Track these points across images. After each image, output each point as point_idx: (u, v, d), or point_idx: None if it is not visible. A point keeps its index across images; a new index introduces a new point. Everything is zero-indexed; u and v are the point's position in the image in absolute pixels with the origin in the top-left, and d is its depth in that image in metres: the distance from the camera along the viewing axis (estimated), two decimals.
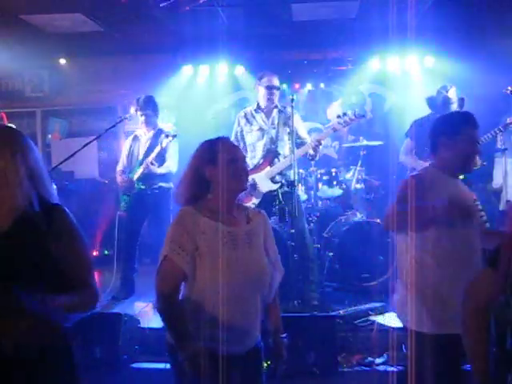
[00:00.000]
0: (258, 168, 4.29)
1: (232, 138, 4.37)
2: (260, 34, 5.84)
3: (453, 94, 4.31)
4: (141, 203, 4.68)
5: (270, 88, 4.31)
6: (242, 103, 6.22)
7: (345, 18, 5.52)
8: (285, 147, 4.33)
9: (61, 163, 4.59)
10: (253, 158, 4.35)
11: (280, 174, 4.29)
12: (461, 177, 4.24)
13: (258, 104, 4.44)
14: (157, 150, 4.61)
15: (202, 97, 6.30)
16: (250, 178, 4.13)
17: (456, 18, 5.22)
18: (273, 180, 4.29)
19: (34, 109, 7.07)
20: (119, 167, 4.84)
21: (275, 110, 4.38)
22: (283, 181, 4.27)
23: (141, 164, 4.66)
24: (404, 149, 4.55)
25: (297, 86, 6.28)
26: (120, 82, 6.18)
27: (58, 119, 7.21)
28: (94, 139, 4.68)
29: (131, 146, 4.82)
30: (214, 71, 6.30)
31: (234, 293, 1.89)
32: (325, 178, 5.09)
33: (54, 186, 5.00)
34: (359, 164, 5.14)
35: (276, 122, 4.34)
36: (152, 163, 4.58)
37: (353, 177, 5.14)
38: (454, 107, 4.31)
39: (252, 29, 5.71)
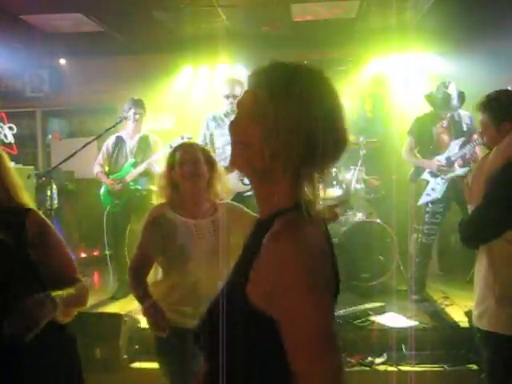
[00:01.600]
0: (228, 170, 4.32)
1: (200, 141, 4.43)
2: (260, 34, 5.84)
3: (452, 89, 4.31)
4: (129, 204, 4.73)
5: (226, 97, 4.39)
6: None
7: (345, 17, 5.52)
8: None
9: (61, 163, 4.60)
10: (223, 160, 4.38)
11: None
12: (462, 172, 4.26)
13: (226, 109, 4.46)
14: (163, 151, 4.67)
15: (202, 97, 6.30)
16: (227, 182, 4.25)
17: (456, 18, 5.22)
18: (243, 182, 4.34)
19: (34, 109, 7.06)
20: (100, 167, 4.86)
21: None
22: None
23: (135, 165, 4.70)
24: (407, 147, 4.54)
25: None
26: (120, 82, 6.17)
27: (58, 119, 7.21)
28: (93, 139, 4.69)
29: (116, 148, 4.84)
30: (214, 71, 6.30)
31: (200, 275, 2.21)
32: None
33: (54, 186, 5.04)
34: (359, 164, 5.13)
35: None
36: (156, 162, 4.65)
37: (353, 177, 5.14)
38: (455, 102, 4.30)
39: (252, 29, 5.71)
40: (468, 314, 3.45)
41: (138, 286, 2.29)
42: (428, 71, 5.85)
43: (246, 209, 2.50)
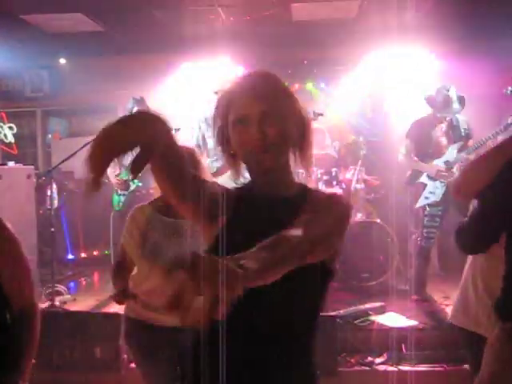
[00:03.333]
0: (220, 171, 4.33)
1: (193, 142, 4.52)
2: (260, 34, 5.84)
3: (453, 92, 4.31)
4: (133, 202, 4.73)
5: (216, 93, 4.41)
6: None
7: (345, 17, 5.52)
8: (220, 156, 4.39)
9: (61, 163, 4.60)
10: (215, 161, 4.39)
11: (243, 176, 4.38)
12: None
13: None
14: None
15: (202, 97, 6.29)
16: (213, 180, 4.27)
17: (456, 18, 5.22)
18: (235, 182, 4.35)
19: (34, 109, 7.07)
20: (111, 168, 4.86)
21: None
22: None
23: None
24: (404, 150, 4.55)
25: (297, 85, 6.28)
26: (120, 82, 6.17)
27: (58, 119, 7.21)
28: (94, 139, 4.69)
29: None
30: (214, 71, 6.29)
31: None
32: (325, 177, 5.10)
33: (54, 186, 5.04)
34: (359, 164, 5.14)
35: None
36: None
37: (353, 177, 5.14)
38: (456, 106, 4.31)
39: (252, 29, 5.71)
40: None
41: (117, 282, 2.35)
42: (428, 71, 5.85)
43: None
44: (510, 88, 4.07)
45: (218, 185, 1.49)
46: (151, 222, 2.35)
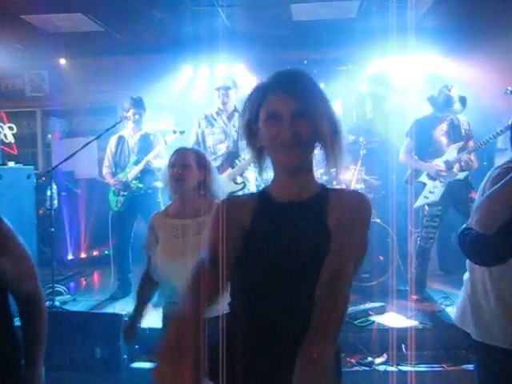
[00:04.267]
0: (219, 170, 4.34)
1: (193, 140, 4.55)
2: (260, 34, 5.84)
3: (455, 92, 4.31)
4: (133, 203, 4.73)
5: (217, 89, 4.53)
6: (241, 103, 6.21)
7: (345, 17, 5.52)
8: (246, 149, 4.39)
9: (61, 163, 4.60)
10: (214, 160, 4.39)
11: (241, 175, 4.40)
12: (461, 176, 4.28)
13: (218, 107, 4.59)
14: (160, 147, 4.69)
15: (202, 97, 6.30)
16: (222, 180, 4.33)
17: (456, 18, 5.22)
18: (235, 181, 4.38)
19: (34, 109, 7.07)
20: (108, 169, 4.87)
21: (236, 114, 4.52)
22: (245, 182, 4.42)
23: (137, 163, 4.70)
24: (404, 148, 4.55)
25: None
26: (120, 82, 6.18)
27: (58, 119, 7.21)
28: (93, 139, 4.70)
29: (118, 147, 4.85)
30: (214, 71, 6.30)
31: (182, 271, 2.25)
32: (325, 177, 5.09)
33: (54, 186, 5.04)
34: (359, 164, 5.13)
35: (237, 125, 4.42)
36: (154, 158, 4.67)
37: (353, 177, 5.14)
38: (457, 106, 4.31)
39: (252, 29, 5.71)
40: None
41: (140, 290, 2.52)
42: (428, 71, 5.86)
43: None
44: (509, 88, 4.07)
45: (236, 197, 1.51)
46: (163, 226, 2.46)
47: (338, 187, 1.47)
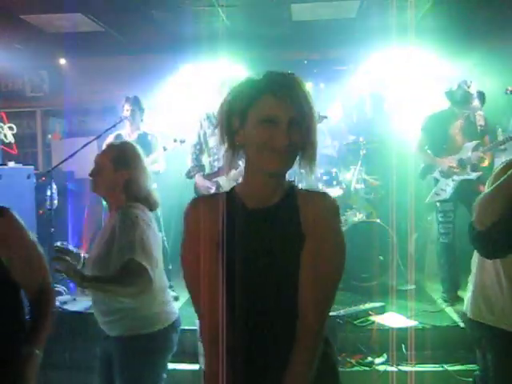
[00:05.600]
0: (222, 171, 4.31)
1: (195, 141, 4.53)
2: (260, 34, 5.84)
3: (474, 89, 4.24)
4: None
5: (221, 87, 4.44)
6: None
7: (345, 17, 5.52)
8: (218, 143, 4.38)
9: (61, 163, 4.60)
10: (216, 160, 4.37)
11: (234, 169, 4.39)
12: (473, 176, 4.24)
13: None
14: (158, 153, 4.69)
15: (202, 97, 6.29)
16: (215, 180, 4.36)
17: (456, 18, 5.22)
18: (237, 183, 4.36)
19: (34, 109, 7.07)
20: None
21: None
22: None
23: None
24: (418, 143, 4.51)
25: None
26: (120, 82, 6.17)
27: (58, 119, 7.21)
28: (93, 139, 4.70)
29: None
30: (214, 71, 6.29)
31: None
32: (325, 177, 5.09)
33: (54, 186, 5.03)
34: (359, 164, 5.13)
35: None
36: (150, 165, 4.66)
37: (353, 177, 5.14)
38: (476, 103, 4.25)
39: (252, 29, 5.71)
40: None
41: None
42: (428, 71, 5.85)
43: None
44: (509, 88, 4.06)
45: (206, 198, 1.50)
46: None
47: (304, 188, 1.47)
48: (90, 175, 2.31)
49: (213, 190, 4.29)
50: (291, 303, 1.31)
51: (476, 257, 2.22)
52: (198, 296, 1.35)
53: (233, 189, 1.43)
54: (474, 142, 4.30)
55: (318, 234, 1.31)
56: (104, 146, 2.45)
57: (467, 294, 2.28)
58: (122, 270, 1.99)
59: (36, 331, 1.76)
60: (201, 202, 1.41)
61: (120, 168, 2.26)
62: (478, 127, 4.34)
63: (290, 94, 1.28)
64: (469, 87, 4.24)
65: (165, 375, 2.30)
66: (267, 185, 1.36)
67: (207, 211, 1.36)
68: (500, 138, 4.30)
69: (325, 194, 1.41)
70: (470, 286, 2.25)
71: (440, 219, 4.39)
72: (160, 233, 2.50)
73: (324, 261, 1.32)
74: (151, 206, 2.33)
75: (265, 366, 1.34)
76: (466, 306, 2.26)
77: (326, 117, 4.63)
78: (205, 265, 1.32)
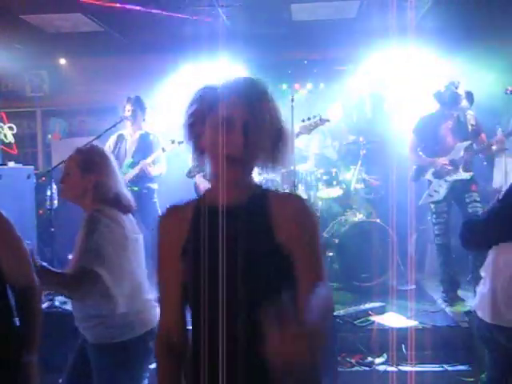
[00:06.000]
0: None
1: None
2: (260, 34, 5.84)
3: (462, 90, 4.25)
4: None
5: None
6: None
7: (345, 17, 5.52)
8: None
9: (61, 163, 4.59)
10: None
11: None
12: (466, 176, 4.25)
13: None
14: (158, 153, 4.69)
15: None
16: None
17: (456, 18, 5.22)
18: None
19: (34, 109, 7.07)
20: None
21: None
22: None
23: (132, 166, 4.70)
24: (410, 145, 4.52)
25: (297, 86, 6.28)
26: (120, 82, 6.17)
27: (58, 119, 7.21)
28: (93, 139, 4.69)
29: (116, 146, 4.85)
30: (214, 71, 6.29)
31: None
32: (325, 177, 5.09)
33: (54, 186, 5.03)
34: (359, 164, 5.13)
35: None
36: (150, 165, 4.65)
37: (353, 177, 5.14)
38: (464, 103, 4.26)
39: (252, 29, 5.71)
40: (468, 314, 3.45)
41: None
42: (428, 71, 5.85)
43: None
44: (509, 88, 4.06)
45: (176, 206, 1.46)
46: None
47: (274, 190, 1.46)
48: (60, 182, 2.30)
49: None
50: (259, 307, 1.24)
51: (489, 260, 2.22)
52: (161, 304, 1.43)
53: (204, 194, 1.44)
54: (466, 143, 4.31)
55: (297, 245, 1.31)
56: (73, 152, 2.41)
57: (476, 298, 2.28)
58: (71, 274, 2.08)
59: (29, 332, 1.79)
60: (171, 211, 1.45)
61: (87, 173, 2.24)
62: (470, 127, 4.34)
63: (244, 99, 1.28)
64: (457, 88, 4.25)
65: (146, 381, 2.26)
66: (230, 187, 1.33)
67: (177, 219, 1.40)
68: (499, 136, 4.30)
69: (291, 195, 1.44)
70: (483, 290, 2.22)
71: (434, 221, 4.40)
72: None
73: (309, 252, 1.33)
74: (124, 209, 2.28)
75: (231, 372, 1.30)
76: (478, 308, 2.23)
77: (328, 120, 4.62)
78: (169, 273, 1.38)
